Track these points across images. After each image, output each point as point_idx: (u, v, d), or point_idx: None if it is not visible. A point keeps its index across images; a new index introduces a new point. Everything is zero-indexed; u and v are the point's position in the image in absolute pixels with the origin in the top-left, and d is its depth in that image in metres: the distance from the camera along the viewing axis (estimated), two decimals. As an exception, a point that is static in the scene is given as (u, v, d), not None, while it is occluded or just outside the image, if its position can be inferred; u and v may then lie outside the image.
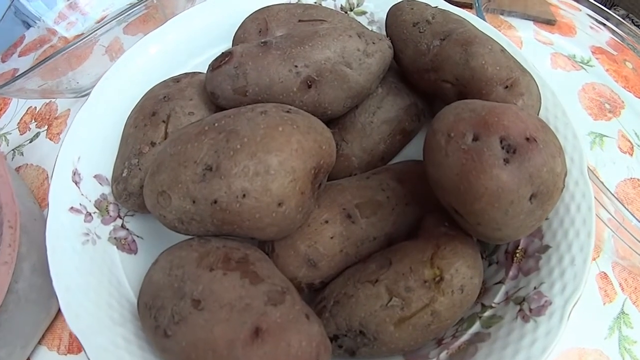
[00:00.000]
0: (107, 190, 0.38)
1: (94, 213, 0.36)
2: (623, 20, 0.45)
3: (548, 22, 0.50)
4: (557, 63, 0.48)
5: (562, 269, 0.30)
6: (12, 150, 0.50)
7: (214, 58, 0.36)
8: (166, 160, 0.30)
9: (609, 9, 0.48)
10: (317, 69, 0.33)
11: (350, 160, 0.37)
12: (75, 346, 0.40)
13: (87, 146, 0.38)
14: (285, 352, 0.24)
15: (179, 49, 0.43)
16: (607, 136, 0.44)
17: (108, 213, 0.37)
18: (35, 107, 0.53)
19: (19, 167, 0.49)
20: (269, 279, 0.27)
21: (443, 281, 0.29)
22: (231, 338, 0.24)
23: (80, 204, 0.36)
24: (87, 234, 0.35)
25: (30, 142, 0.50)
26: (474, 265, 0.30)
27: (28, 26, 0.56)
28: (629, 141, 0.44)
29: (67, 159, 0.37)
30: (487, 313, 0.31)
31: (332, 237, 0.32)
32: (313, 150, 0.29)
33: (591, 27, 0.48)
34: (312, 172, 0.29)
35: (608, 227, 0.37)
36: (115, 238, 0.37)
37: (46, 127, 0.50)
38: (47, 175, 0.47)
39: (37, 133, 0.50)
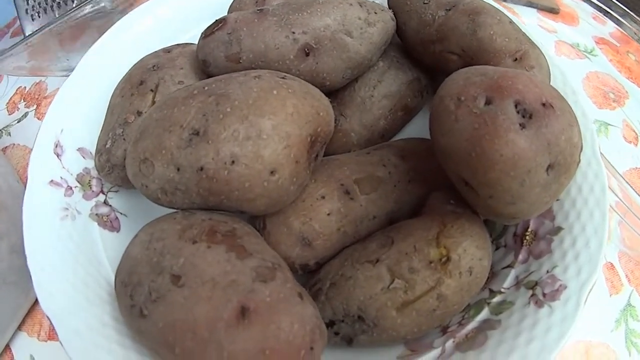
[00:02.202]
0: (90, 164, 0.33)
1: (75, 187, 0.32)
2: (628, 11, 0.41)
3: (551, 10, 0.46)
4: (561, 50, 0.45)
5: (577, 252, 0.26)
6: (0, 130, 0.46)
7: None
8: (150, 126, 0.26)
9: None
10: (315, 37, 0.29)
11: (349, 136, 0.33)
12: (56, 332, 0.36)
13: (71, 118, 0.34)
14: (275, 335, 0.20)
15: (169, 23, 0.39)
16: (612, 125, 0.41)
17: (90, 188, 0.33)
18: (25, 87, 0.48)
19: (6, 147, 0.44)
20: (257, 254, 0.23)
21: (450, 262, 0.24)
22: (213, 318, 0.20)
23: (61, 177, 0.32)
24: (67, 209, 0.31)
25: (18, 122, 0.45)
26: (482, 245, 0.26)
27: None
28: (634, 131, 0.40)
29: (50, 130, 0.33)
30: (496, 299, 0.27)
31: (328, 214, 0.28)
32: (310, 116, 0.25)
33: (594, 18, 0.45)
34: (309, 140, 0.25)
35: (616, 212, 0.34)
36: (97, 214, 0.32)
37: (35, 106, 0.46)
38: (34, 154, 0.43)
39: (25, 113, 0.46)
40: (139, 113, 0.31)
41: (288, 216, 0.27)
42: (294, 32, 0.29)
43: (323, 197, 0.28)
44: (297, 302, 0.21)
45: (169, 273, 0.22)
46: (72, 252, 0.29)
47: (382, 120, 0.33)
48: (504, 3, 0.46)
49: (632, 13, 0.41)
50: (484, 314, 0.27)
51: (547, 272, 0.26)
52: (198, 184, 0.24)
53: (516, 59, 0.29)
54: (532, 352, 0.23)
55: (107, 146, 0.31)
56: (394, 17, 0.32)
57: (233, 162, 0.23)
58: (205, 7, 0.39)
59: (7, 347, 0.35)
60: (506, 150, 0.21)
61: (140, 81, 0.32)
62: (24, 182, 0.42)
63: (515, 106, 0.22)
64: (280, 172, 0.24)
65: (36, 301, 0.37)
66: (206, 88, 0.26)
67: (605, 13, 0.44)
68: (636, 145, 0.40)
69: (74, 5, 0.40)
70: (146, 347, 0.24)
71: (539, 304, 0.25)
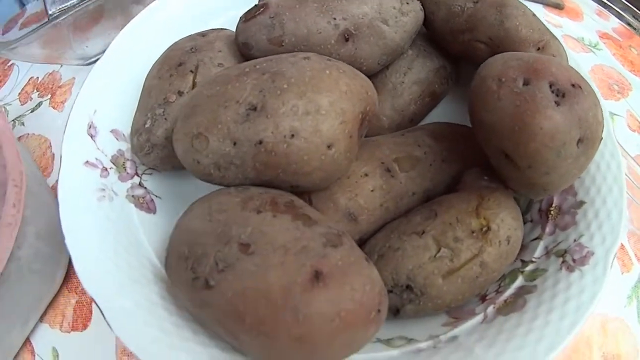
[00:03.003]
0: (124, 146, 0.35)
1: (111, 169, 0.33)
2: (629, 5, 0.46)
3: (556, 6, 0.51)
4: (568, 45, 0.49)
5: (600, 222, 0.30)
6: (12, 120, 0.46)
7: (236, 17, 0.34)
8: (203, 102, 0.27)
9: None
10: (354, 23, 0.32)
11: (381, 120, 0.36)
12: (80, 322, 0.36)
13: (104, 99, 0.35)
14: (350, 297, 0.21)
15: (201, 6, 0.41)
16: (617, 115, 0.45)
17: (125, 170, 0.34)
18: (38, 77, 0.49)
19: (20, 137, 0.45)
20: (322, 222, 0.25)
21: (490, 231, 0.27)
22: (287, 284, 0.21)
23: (96, 158, 0.33)
24: (103, 190, 0.32)
25: (31, 111, 0.46)
26: (516, 217, 0.29)
27: (22, 5, 0.53)
28: (638, 120, 0.45)
29: (83, 111, 0.34)
30: (529, 267, 0.30)
31: (372, 190, 0.30)
32: (360, 95, 0.28)
33: (597, 13, 0.50)
34: (360, 117, 0.28)
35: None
36: (132, 196, 0.34)
37: (49, 96, 0.46)
38: (50, 144, 0.43)
39: (39, 102, 0.46)
40: (180, 93, 0.32)
41: (334, 192, 0.30)
42: (334, 18, 0.32)
43: (366, 175, 0.30)
44: (366, 265, 0.23)
45: (236, 242, 0.23)
46: (111, 232, 0.30)
47: (412, 105, 0.36)
48: None
49: (633, 7, 0.47)
50: (519, 281, 0.30)
51: (574, 241, 0.30)
52: (255, 158, 0.26)
53: (539, 48, 0.32)
54: (570, 310, 0.26)
55: (147, 126, 0.32)
56: (422, 8, 0.36)
57: (292, 135, 0.25)
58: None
59: (27, 340, 0.35)
60: (546, 123, 0.25)
61: (179, 63, 0.33)
62: (41, 170, 0.42)
63: (550, 86, 0.26)
64: (337, 146, 0.26)
65: (59, 291, 0.38)
66: (258, 67, 0.28)
67: (607, 7, 0.49)
68: (640, 133, 0.44)
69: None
70: (208, 321, 0.25)
71: (570, 269, 0.28)
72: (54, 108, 0.46)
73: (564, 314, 0.26)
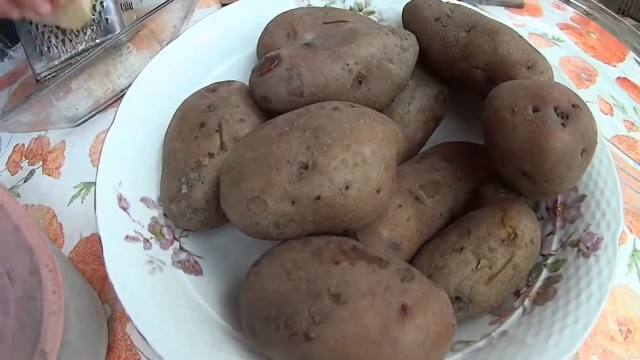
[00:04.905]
0: (155, 213, 0.37)
1: (151, 238, 0.36)
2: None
3: (518, 5, 0.59)
4: (534, 42, 0.56)
5: (602, 211, 0.37)
6: (5, 193, 0.46)
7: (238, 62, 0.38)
8: (249, 166, 0.31)
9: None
10: (365, 66, 0.37)
11: (396, 152, 0.41)
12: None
13: (126, 169, 0.37)
14: (433, 320, 0.27)
15: (199, 60, 0.44)
16: (589, 102, 0.53)
17: (164, 237, 0.37)
18: (24, 144, 0.49)
19: (17, 210, 0.45)
20: (391, 260, 0.29)
21: (517, 237, 0.34)
22: (382, 322, 0.26)
23: (134, 231, 0.35)
24: (152, 262, 0.34)
25: (25, 181, 0.46)
26: (534, 220, 0.36)
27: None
28: (608, 103, 0.54)
29: (108, 184, 0.35)
30: (550, 260, 0.37)
31: (408, 219, 0.35)
32: (392, 138, 0.32)
33: (555, 6, 0.58)
34: (395, 158, 0.33)
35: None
36: (178, 262, 0.36)
37: (41, 163, 0.47)
38: (54, 213, 0.44)
39: (31, 171, 0.47)
40: (211, 155, 0.35)
41: (376, 227, 0.34)
42: (347, 64, 0.36)
43: (400, 206, 0.36)
44: (436, 289, 0.29)
45: (327, 295, 0.27)
46: (172, 302, 0.33)
47: (419, 131, 0.42)
48: (479, 6, 0.57)
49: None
50: (545, 273, 0.36)
51: (584, 231, 0.37)
52: (315, 212, 0.30)
53: (529, 67, 0.38)
54: (594, 290, 0.33)
55: (184, 192, 0.35)
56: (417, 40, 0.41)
57: (347, 187, 0.30)
58: (228, 44, 0.45)
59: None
60: (558, 144, 0.31)
61: (201, 123, 0.36)
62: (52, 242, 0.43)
63: (555, 110, 0.32)
64: (384, 190, 0.31)
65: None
66: (295, 124, 0.31)
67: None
68: (612, 115, 0.53)
69: (85, 38, 0.42)
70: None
71: (586, 256, 0.35)
72: (48, 175, 0.46)
73: (591, 294, 0.33)
